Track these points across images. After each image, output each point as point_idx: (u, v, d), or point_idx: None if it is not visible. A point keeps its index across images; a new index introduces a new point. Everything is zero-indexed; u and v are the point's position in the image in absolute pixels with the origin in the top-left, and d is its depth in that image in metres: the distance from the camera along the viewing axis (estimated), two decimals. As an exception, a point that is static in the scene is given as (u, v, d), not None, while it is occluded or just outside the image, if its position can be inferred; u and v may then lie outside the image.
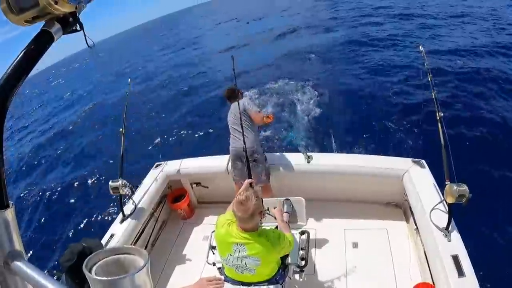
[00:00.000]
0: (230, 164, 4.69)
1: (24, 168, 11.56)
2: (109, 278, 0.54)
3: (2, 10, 0.79)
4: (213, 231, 3.84)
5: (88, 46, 1.18)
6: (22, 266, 0.77)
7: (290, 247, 2.94)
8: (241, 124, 4.31)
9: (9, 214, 0.79)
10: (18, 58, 0.76)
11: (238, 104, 4.35)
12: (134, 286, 0.55)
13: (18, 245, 0.81)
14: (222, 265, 3.04)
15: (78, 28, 0.89)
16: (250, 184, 3.61)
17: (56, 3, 0.75)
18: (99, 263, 0.61)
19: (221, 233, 2.79)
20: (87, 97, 20.25)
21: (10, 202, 0.80)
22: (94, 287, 0.56)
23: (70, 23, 0.85)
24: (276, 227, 3.44)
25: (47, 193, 9.21)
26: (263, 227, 2.83)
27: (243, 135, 4.28)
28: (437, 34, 14.95)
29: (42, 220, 8.05)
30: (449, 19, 17.25)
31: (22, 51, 0.78)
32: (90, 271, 0.58)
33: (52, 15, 0.79)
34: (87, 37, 1.07)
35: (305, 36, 21.37)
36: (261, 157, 4.49)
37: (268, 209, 3.50)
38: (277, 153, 4.92)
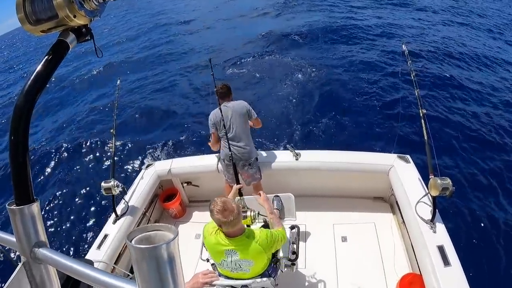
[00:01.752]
0: (222, 166, 4.65)
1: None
2: (149, 246, 0.63)
3: (19, 20, 0.86)
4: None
5: (97, 56, 1.25)
6: (48, 253, 0.85)
7: (283, 240, 2.99)
8: (237, 128, 4.36)
9: (35, 208, 0.86)
10: (39, 68, 0.84)
11: (225, 105, 4.38)
12: (168, 253, 0.64)
13: (42, 236, 0.89)
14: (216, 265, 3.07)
15: (89, 38, 0.97)
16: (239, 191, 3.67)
17: (74, 16, 0.83)
18: (136, 238, 0.68)
19: (211, 241, 2.79)
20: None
21: (35, 197, 0.87)
22: (135, 254, 0.64)
23: (83, 33, 0.92)
24: (265, 223, 3.52)
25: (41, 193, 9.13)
26: (250, 228, 2.88)
27: (239, 139, 4.37)
28: (423, 32, 15.10)
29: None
30: (439, 16, 17.45)
31: (42, 60, 0.85)
32: (131, 241, 0.66)
33: (67, 26, 0.87)
34: (97, 47, 1.15)
35: (283, 19, 21.39)
36: (255, 159, 4.54)
37: (258, 213, 3.57)
38: (266, 151, 4.99)
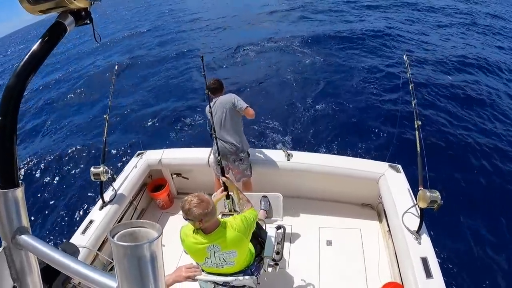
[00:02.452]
0: (213, 159, 4.65)
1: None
2: (131, 244, 0.62)
3: None
4: None
5: (96, 41, 1.22)
6: (29, 239, 0.83)
7: (255, 219, 2.99)
8: (225, 122, 4.38)
9: (19, 192, 0.84)
10: (34, 48, 0.81)
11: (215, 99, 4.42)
12: (150, 252, 0.63)
13: (25, 222, 0.87)
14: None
15: (88, 21, 0.95)
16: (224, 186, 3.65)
17: None
18: (119, 233, 0.67)
19: (191, 242, 2.74)
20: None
21: (20, 181, 0.85)
22: (117, 251, 0.63)
23: (82, 16, 0.89)
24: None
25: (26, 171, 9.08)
26: (223, 219, 2.84)
27: (228, 134, 4.38)
28: (424, 41, 15.12)
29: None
30: (441, 28, 17.46)
31: (38, 41, 0.82)
32: (113, 238, 0.65)
33: (66, 8, 0.84)
34: (95, 32, 1.12)
35: (287, 22, 21.31)
36: (246, 154, 4.54)
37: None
38: (258, 149, 4.98)
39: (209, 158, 4.82)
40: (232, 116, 4.40)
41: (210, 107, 4.23)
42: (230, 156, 4.46)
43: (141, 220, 0.69)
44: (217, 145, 4.07)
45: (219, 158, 3.95)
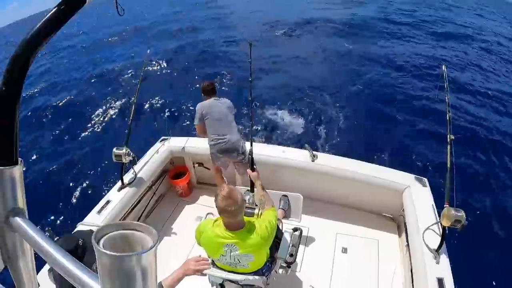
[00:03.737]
0: (212, 156, 4.65)
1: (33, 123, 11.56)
2: (117, 253, 0.53)
3: None
4: (208, 214, 3.87)
5: (119, 14, 1.17)
6: (22, 223, 0.78)
7: (276, 225, 2.92)
8: (229, 121, 4.52)
9: (17, 171, 0.78)
10: (48, 15, 0.74)
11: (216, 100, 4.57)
12: (140, 266, 0.55)
13: (21, 203, 0.82)
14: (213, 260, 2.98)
15: None
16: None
17: None
18: (107, 236, 0.59)
19: (209, 235, 2.72)
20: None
21: (20, 159, 0.79)
22: (100, 259, 0.55)
23: None
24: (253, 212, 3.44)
25: (49, 151, 9.28)
26: (249, 219, 2.80)
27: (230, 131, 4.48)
28: (463, 56, 14.72)
29: (42, 175, 8.11)
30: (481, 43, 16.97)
31: (53, 9, 0.75)
32: (98, 243, 0.57)
33: None
34: (118, 4, 1.07)
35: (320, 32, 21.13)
36: (247, 151, 4.41)
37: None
38: (282, 147, 4.92)
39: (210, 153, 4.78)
40: (231, 117, 4.60)
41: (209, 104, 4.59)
42: (232, 152, 4.49)
43: (136, 222, 0.61)
44: (219, 142, 4.41)
45: (223, 152, 4.32)
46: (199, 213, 4.79)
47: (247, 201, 3.70)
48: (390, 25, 19.99)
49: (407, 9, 26.48)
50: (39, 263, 0.97)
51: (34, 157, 8.95)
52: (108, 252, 0.53)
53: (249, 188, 3.73)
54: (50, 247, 0.71)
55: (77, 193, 7.26)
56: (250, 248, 2.66)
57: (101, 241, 0.58)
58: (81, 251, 2.29)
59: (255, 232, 2.66)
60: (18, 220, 0.79)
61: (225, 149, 4.46)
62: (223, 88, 11.71)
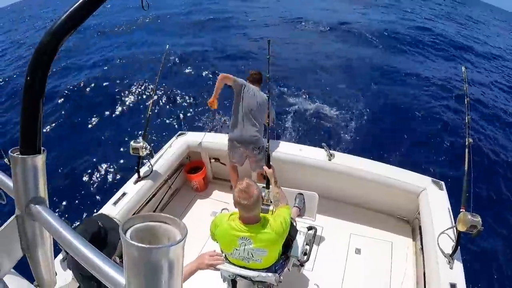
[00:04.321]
0: (229, 146, 4.68)
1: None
2: (146, 245, 0.52)
3: None
4: (223, 209, 3.91)
5: (143, 8, 1.16)
6: (43, 212, 0.79)
7: (289, 222, 2.91)
8: (255, 113, 4.47)
9: (40, 160, 0.79)
10: (75, 5, 0.73)
11: (255, 94, 4.47)
12: (168, 259, 0.54)
13: (42, 192, 0.83)
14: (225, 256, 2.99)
15: None
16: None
17: None
18: (134, 227, 0.59)
19: (224, 228, 2.74)
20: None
21: (42, 148, 0.79)
22: (127, 251, 0.54)
23: None
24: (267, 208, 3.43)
25: (63, 140, 9.39)
26: (264, 215, 2.81)
27: (254, 124, 4.47)
28: (483, 60, 14.47)
29: (57, 164, 8.22)
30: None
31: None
32: (125, 234, 0.56)
33: None
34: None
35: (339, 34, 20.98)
36: (264, 145, 4.45)
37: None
38: (299, 145, 4.90)
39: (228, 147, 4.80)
40: (260, 112, 4.50)
41: (249, 90, 4.51)
42: (249, 145, 4.48)
43: (164, 215, 0.61)
44: (241, 130, 4.44)
45: (240, 142, 4.35)
46: (214, 208, 4.82)
47: (263, 198, 3.73)
48: (414, 31, 19.71)
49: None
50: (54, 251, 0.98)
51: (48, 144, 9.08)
52: (136, 243, 0.53)
53: (264, 185, 3.74)
54: (72, 237, 0.71)
55: (93, 184, 7.34)
56: (264, 243, 2.67)
57: (128, 232, 0.58)
58: (104, 232, 2.35)
59: (270, 228, 2.68)
60: (39, 208, 0.80)
61: (242, 140, 4.49)
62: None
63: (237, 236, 2.68)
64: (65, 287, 3.20)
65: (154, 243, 0.54)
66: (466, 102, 3.67)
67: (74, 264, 2.56)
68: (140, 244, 0.53)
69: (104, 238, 2.41)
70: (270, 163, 3.82)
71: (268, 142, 4.06)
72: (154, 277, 0.56)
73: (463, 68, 4.05)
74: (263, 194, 3.70)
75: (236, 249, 2.75)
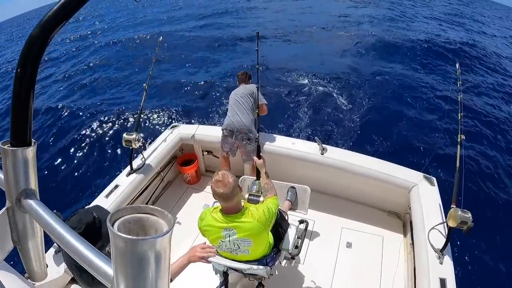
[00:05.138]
0: (222, 136, 4.71)
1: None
2: (132, 237, 0.52)
3: None
4: (215, 202, 3.89)
5: (135, 1, 1.15)
6: (33, 204, 0.79)
7: (276, 211, 2.91)
8: (243, 104, 4.55)
9: (30, 152, 0.79)
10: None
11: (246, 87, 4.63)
12: (155, 250, 0.54)
13: (33, 184, 0.82)
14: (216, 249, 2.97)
15: None
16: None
17: None
18: (122, 218, 0.59)
19: (208, 220, 2.74)
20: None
21: (33, 140, 0.79)
22: (114, 242, 0.54)
23: None
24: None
25: (59, 130, 9.32)
26: (246, 205, 2.79)
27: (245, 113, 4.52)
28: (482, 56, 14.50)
29: (53, 155, 8.17)
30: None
31: None
32: (113, 226, 0.56)
33: None
34: None
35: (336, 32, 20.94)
36: (254, 136, 4.48)
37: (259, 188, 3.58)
38: (292, 138, 4.89)
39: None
40: (249, 102, 4.59)
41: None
42: (239, 134, 4.50)
43: (151, 207, 0.61)
44: (232, 119, 4.50)
45: (230, 131, 4.41)
46: (206, 200, 4.81)
47: (253, 190, 3.73)
48: (414, 23, 19.76)
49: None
50: (47, 244, 0.98)
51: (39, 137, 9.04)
52: (122, 235, 0.53)
53: (255, 178, 3.75)
54: (62, 229, 0.71)
55: (84, 177, 7.32)
56: (247, 232, 2.65)
57: (116, 224, 0.58)
58: (98, 222, 2.33)
59: (251, 216, 2.66)
60: (30, 201, 0.80)
61: (231, 129, 4.53)
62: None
63: (220, 227, 2.68)
64: (58, 280, 3.19)
65: (142, 235, 0.55)
66: (459, 99, 3.68)
67: (68, 256, 2.55)
68: (126, 236, 0.53)
69: (98, 229, 2.40)
70: (261, 154, 3.81)
71: (258, 132, 4.05)
72: (141, 269, 0.55)
73: (457, 64, 4.06)
74: (254, 186, 3.71)
75: (222, 241, 2.74)
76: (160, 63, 12.25)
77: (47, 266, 1.02)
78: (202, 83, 11.65)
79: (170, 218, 0.60)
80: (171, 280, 2.44)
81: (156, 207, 0.61)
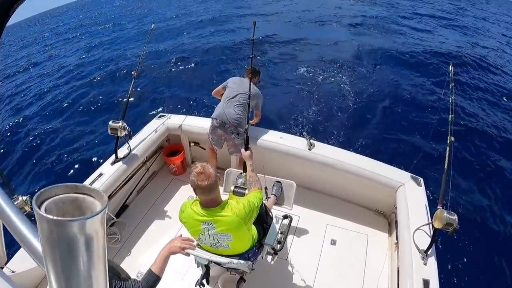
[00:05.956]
0: (210, 127, 4.63)
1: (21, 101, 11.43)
2: (57, 218, 0.46)
3: None
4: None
5: None
6: None
7: (259, 204, 2.86)
8: (239, 98, 4.51)
9: None
10: None
11: (250, 85, 4.37)
12: (84, 233, 0.48)
13: None
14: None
15: None
16: None
17: None
18: (55, 198, 0.53)
19: (188, 213, 2.69)
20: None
21: None
22: (40, 224, 0.48)
23: None
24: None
25: (38, 117, 9.20)
26: (228, 200, 2.75)
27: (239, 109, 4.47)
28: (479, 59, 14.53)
29: (32, 145, 8.03)
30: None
31: None
32: (40, 206, 0.50)
33: None
34: None
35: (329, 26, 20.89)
36: (243, 131, 4.37)
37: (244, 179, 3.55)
38: (280, 133, 4.83)
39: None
40: (246, 101, 4.40)
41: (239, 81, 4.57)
42: (228, 127, 4.45)
43: (88, 186, 0.55)
44: (223, 110, 4.45)
45: (220, 122, 4.38)
46: (191, 192, 4.70)
47: (239, 183, 3.68)
48: (405, 21, 19.78)
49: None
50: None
51: (21, 123, 8.91)
52: (46, 215, 0.47)
53: (242, 171, 3.70)
54: (11, 211, 0.67)
55: (69, 165, 7.20)
56: (226, 227, 2.60)
57: (45, 203, 0.52)
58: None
59: (231, 210, 2.60)
60: None
61: (222, 120, 4.45)
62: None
63: (199, 220, 2.63)
64: (38, 269, 3.12)
65: (77, 216, 0.48)
66: (451, 101, 3.65)
67: None
68: (50, 216, 0.46)
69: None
70: (249, 146, 3.75)
71: (247, 124, 3.98)
72: (70, 254, 0.50)
73: (450, 66, 4.03)
74: (240, 178, 3.67)
75: (202, 234, 2.70)
76: (150, 52, 12.10)
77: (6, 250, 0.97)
78: (192, 72, 11.54)
79: (105, 199, 0.54)
80: (159, 278, 2.38)
81: (93, 187, 0.56)
